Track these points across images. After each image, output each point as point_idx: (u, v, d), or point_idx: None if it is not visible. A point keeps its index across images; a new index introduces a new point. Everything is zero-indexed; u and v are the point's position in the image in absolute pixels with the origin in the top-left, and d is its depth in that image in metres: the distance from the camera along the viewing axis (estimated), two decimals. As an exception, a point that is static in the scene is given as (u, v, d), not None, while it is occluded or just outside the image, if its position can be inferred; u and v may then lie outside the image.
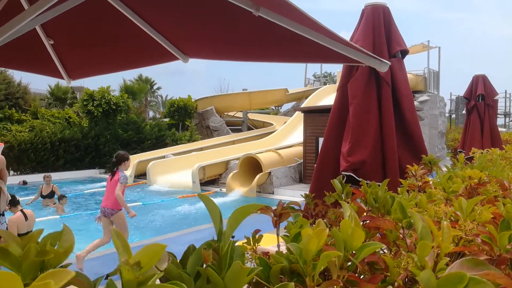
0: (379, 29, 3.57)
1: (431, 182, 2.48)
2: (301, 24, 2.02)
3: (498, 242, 1.37)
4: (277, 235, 1.52)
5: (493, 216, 1.61)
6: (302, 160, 13.47)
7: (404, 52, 3.73)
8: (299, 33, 2.15)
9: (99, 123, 18.32)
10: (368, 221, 1.58)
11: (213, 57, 3.15)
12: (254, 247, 1.58)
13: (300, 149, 14.02)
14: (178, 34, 2.96)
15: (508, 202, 1.66)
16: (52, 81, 27.64)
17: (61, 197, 10.10)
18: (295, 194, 11.08)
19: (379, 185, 1.91)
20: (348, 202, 2.05)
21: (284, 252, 0.99)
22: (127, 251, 0.57)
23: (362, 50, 2.05)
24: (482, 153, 3.95)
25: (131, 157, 18.09)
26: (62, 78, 3.77)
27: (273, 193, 12.26)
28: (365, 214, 1.81)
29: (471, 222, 1.60)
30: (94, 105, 17.95)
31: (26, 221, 6.15)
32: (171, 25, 2.90)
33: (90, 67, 3.82)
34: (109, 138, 17.99)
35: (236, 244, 0.89)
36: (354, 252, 0.88)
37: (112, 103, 18.27)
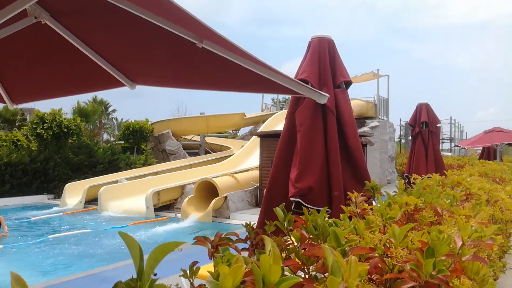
0: (324, 61, 3.73)
1: (370, 209, 2.57)
2: (242, 57, 2.08)
3: (424, 269, 1.45)
4: (214, 267, 1.52)
5: (421, 243, 1.69)
6: (258, 184, 13.52)
7: (348, 83, 3.91)
8: (243, 66, 2.22)
9: (49, 146, 17.61)
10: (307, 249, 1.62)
11: (160, 85, 3.16)
12: (190, 279, 1.57)
13: (256, 173, 14.08)
14: (124, 61, 2.95)
15: (434, 229, 1.74)
16: None
17: None
18: (251, 218, 11.01)
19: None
20: (291, 230, 2.09)
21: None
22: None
23: (302, 84, 2.14)
24: (423, 178, 4.15)
25: (81, 182, 17.28)
26: (4, 102, 3.64)
27: (229, 218, 12.16)
28: (307, 241, 1.85)
29: (402, 249, 1.68)
30: (45, 127, 17.28)
31: None
32: (117, 52, 2.89)
33: (34, 92, 3.71)
34: (59, 162, 17.30)
35: (157, 282, 0.89)
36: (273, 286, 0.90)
37: (63, 125, 17.67)
